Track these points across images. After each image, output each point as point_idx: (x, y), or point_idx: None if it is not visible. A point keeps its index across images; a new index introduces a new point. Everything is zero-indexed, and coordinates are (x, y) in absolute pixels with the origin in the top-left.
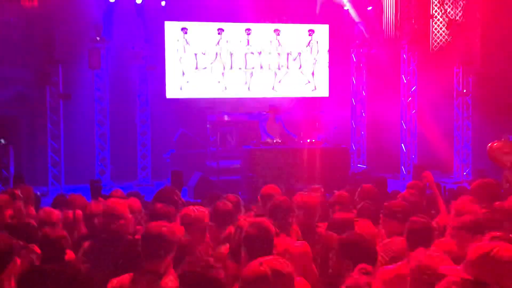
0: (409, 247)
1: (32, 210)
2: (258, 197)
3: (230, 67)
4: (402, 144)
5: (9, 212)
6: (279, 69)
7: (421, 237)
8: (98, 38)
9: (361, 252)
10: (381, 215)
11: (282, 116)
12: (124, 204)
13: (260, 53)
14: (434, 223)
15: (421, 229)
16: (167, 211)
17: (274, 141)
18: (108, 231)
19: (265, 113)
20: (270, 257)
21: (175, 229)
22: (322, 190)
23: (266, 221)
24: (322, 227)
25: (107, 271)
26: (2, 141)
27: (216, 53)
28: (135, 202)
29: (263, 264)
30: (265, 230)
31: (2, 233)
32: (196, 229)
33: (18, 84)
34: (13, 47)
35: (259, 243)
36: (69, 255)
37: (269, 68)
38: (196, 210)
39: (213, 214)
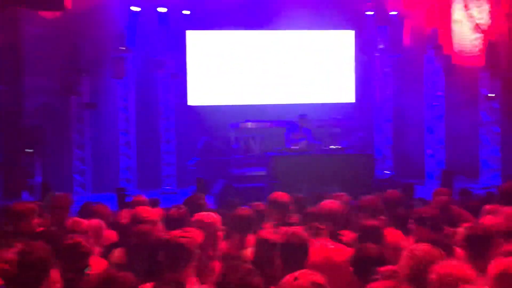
0: (469, 255)
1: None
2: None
3: (253, 74)
4: (428, 150)
5: (36, 221)
6: (303, 75)
7: (482, 244)
8: (122, 48)
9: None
10: (411, 221)
11: (309, 123)
12: (153, 211)
13: (283, 59)
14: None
15: (482, 235)
16: (181, 215)
17: (298, 147)
18: (139, 237)
19: (292, 120)
20: (303, 270)
21: (195, 237)
22: (346, 196)
23: (302, 230)
24: (346, 235)
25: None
26: (28, 150)
27: (239, 60)
28: (158, 211)
29: (299, 278)
30: (303, 240)
31: (39, 242)
32: (208, 234)
33: (44, 94)
34: (38, 58)
35: (297, 252)
36: (100, 263)
37: (293, 74)
38: (207, 215)
39: (232, 221)
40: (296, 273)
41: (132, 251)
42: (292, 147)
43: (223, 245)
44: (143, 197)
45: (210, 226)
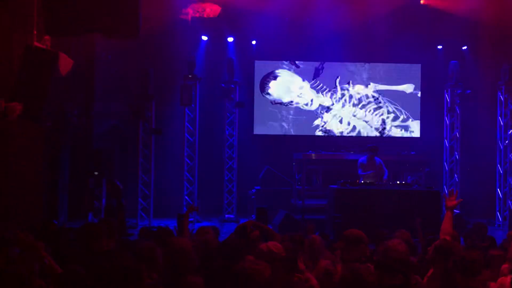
0: None
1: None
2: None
3: (318, 105)
4: (498, 189)
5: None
6: (369, 108)
7: None
8: (190, 76)
9: None
10: None
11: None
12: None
13: (349, 91)
14: None
15: None
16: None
17: (368, 181)
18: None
19: (363, 152)
20: None
21: (263, 269)
22: (408, 234)
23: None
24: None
25: None
26: (96, 173)
27: (305, 91)
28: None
29: None
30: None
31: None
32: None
33: (114, 118)
34: (110, 83)
35: None
36: None
37: (360, 107)
38: (275, 245)
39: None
40: None
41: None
42: (362, 180)
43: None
44: (212, 231)
45: (276, 257)
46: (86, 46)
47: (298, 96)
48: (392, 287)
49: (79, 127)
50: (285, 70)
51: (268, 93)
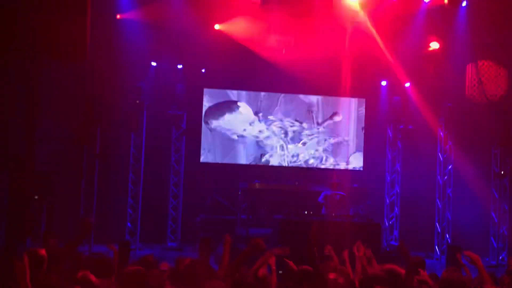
0: None
1: None
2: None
3: (264, 135)
4: (437, 223)
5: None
6: (313, 139)
7: None
8: (137, 101)
9: None
10: None
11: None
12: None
13: (295, 124)
14: None
15: None
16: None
17: (312, 212)
18: None
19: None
20: None
21: None
22: (348, 272)
23: None
24: None
25: None
26: (36, 197)
27: (252, 121)
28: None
29: None
30: None
31: None
32: None
33: (57, 141)
34: (55, 105)
35: None
36: None
37: (304, 139)
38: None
39: None
40: None
41: None
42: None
43: None
44: (152, 257)
45: None
46: (31, 68)
47: (246, 129)
48: None
49: (22, 149)
50: (235, 104)
51: (214, 128)
